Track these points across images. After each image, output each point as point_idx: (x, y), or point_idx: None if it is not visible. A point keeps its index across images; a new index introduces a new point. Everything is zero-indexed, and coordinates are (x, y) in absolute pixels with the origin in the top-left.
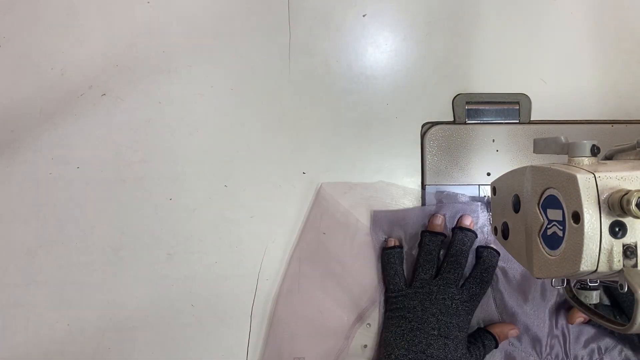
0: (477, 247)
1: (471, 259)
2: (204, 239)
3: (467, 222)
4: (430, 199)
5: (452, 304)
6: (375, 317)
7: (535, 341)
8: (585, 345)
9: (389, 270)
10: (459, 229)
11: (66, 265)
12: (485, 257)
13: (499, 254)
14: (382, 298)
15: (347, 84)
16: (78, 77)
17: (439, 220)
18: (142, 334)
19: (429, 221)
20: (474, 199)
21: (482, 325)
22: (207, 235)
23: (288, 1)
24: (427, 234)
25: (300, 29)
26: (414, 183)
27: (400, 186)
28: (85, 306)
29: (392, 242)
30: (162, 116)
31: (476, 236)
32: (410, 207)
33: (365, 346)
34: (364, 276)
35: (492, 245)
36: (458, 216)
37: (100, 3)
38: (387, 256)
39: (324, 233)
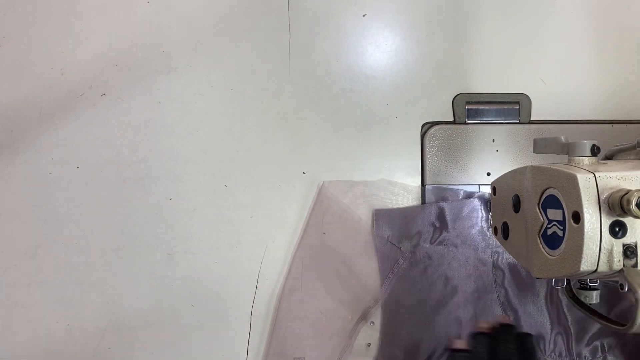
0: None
1: None
2: (204, 239)
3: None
4: (431, 197)
5: None
6: (378, 315)
7: (539, 338)
8: (588, 343)
9: None
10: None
11: (66, 265)
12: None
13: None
14: None
15: (347, 84)
16: (78, 77)
17: (457, 344)
18: (142, 334)
19: (448, 341)
20: (475, 195)
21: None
22: (207, 235)
23: (288, 1)
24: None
25: (300, 29)
26: (414, 183)
27: (402, 184)
28: (85, 306)
29: (457, 344)
30: (162, 116)
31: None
32: (412, 205)
33: (369, 345)
34: (367, 274)
35: (524, 332)
36: (459, 214)
37: (100, 3)
38: None
39: (324, 233)
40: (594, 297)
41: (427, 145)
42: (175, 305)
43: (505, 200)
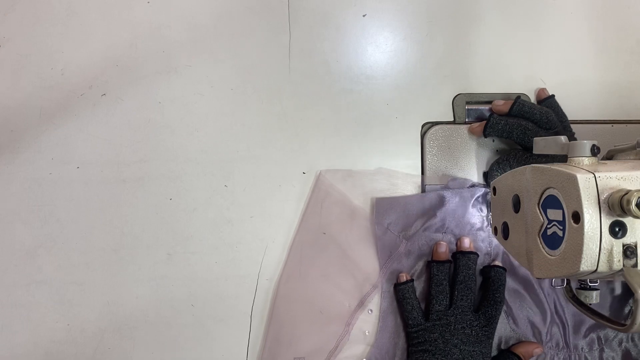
0: (483, 267)
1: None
2: (204, 239)
3: (467, 244)
4: (431, 187)
5: (472, 332)
6: (377, 303)
7: (535, 328)
8: (585, 335)
9: (405, 305)
10: (460, 253)
11: (66, 265)
12: (494, 277)
13: (505, 270)
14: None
15: (347, 84)
16: (78, 77)
17: (442, 247)
18: (142, 334)
19: (433, 250)
20: (476, 185)
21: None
22: (207, 235)
23: (288, 1)
24: (434, 264)
25: (300, 29)
26: (414, 183)
27: (401, 173)
28: (85, 306)
29: (403, 277)
30: (162, 116)
31: (478, 256)
32: (412, 193)
33: (367, 332)
34: (366, 262)
35: (497, 263)
36: (460, 203)
37: (100, 3)
38: (402, 292)
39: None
40: (594, 297)
41: (427, 145)
42: (175, 305)
43: (505, 200)
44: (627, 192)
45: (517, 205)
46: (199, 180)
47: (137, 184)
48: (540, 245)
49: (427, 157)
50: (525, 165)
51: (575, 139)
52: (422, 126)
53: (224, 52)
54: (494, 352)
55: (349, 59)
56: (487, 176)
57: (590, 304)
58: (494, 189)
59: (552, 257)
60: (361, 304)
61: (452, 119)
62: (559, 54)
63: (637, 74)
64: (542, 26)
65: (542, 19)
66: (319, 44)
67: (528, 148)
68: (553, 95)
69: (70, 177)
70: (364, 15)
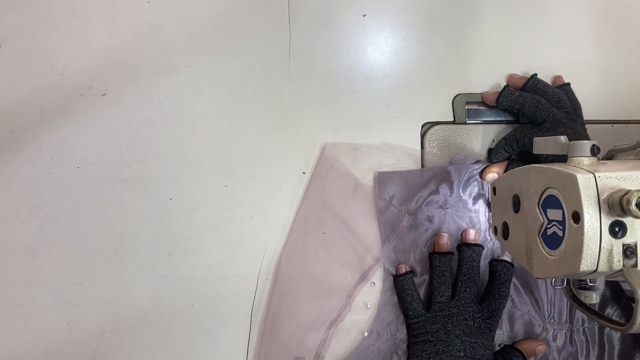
0: (491, 260)
1: (483, 268)
2: (204, 239)
3: (472, 236)
4: (432, 164)
5: (474, 324)
6: (379, 276)
7: (538, 303)
8: None
9: (405, 297)
10: (465, 245)
11: (66, 265)
12: (500, 272)
13: (513, 266)
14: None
15: (347, 84)
16: (78, 77)
17: (444, 239)
18: (142, 334)
19: (434, 242)
20: (481, 162)
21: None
22: (207, 235)
23: (288, 1)
24: (436, 256)
25: (300, 29)
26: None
27: (405, 148)
28: (85, 306)
29: (402, 269)
30: (162, 116)
31: (483, 248)
32: (415, 168)
33: (368, 305)
34: (368, 235)
35: (505, 258)
36: (464, 178)
37: (100, 3)
38: (401, 283)
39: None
40: (594, 297)
41: (427, 145)
42: (175, 305)
43: (505, 200)
44: (627, 192)
45: (517, 205)
46: (199, 180)
47: (137, 184)
48: (540, 245)
49: (427, 157)
50: (531, 138)
51: (584, 129)
52: (422, 126)
53: (224, 52)
54: (496, 348)
55: (349, 59)
56: (490, 153)
57: (590, 304)
58: (494, 189)
59: (552, 257)
60: (363, 276)
61: (452, 119)
62: (558, 53)
63: (637, 74)
64: (542, 26)
65: (542, 19)
66: (319, 44)
67: (537, 124)
68: (569, 83)
69: (70, 177)
70: (364, 15)
